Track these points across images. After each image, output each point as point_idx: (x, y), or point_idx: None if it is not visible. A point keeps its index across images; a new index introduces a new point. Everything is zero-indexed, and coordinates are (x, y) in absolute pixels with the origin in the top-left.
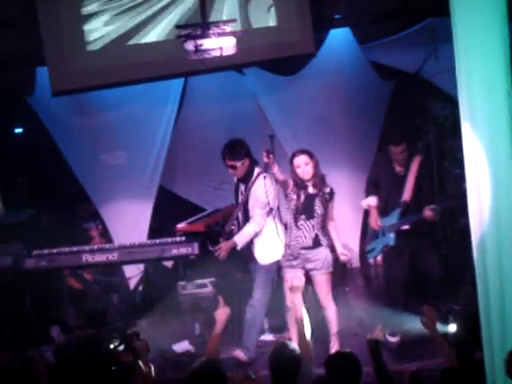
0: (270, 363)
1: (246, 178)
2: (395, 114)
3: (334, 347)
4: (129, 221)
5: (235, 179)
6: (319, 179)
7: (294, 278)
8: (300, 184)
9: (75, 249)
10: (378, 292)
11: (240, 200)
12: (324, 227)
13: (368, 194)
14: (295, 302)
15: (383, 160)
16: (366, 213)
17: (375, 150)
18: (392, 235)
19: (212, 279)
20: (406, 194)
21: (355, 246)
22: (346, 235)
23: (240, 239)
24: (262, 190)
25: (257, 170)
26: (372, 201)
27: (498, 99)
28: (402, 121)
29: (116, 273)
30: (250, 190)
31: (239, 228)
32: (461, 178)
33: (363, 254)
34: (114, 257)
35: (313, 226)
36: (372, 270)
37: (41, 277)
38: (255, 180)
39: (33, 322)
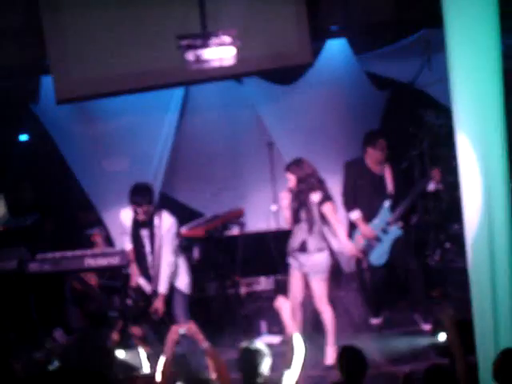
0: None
1: (148, 222)
2: (390, 123)
3: (330, 350)
4: None
5: (128, 223)
6: (306, 187)
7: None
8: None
9: (78, 253)
10: (372, 295)
11: (147, 245)
12: (319, 232)
13: (348, 205)
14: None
15: (357, 167)
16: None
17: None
18: (395, 228)
19: None
20: (390, 186)
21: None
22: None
23: (164, 288)
24: (171, 228)
25: (155, 212)
26: (358, 214)
27: (490, 109)
28: (396, 129)
29: (119, 277)
30: (157, 232)
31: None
32: (454, 187)
33: (359, 260)
34: (115, 261)
35: (300, 231)
36: (367, 274)
37: (44, 280)
38: (160, 221)
39: (36, 324)
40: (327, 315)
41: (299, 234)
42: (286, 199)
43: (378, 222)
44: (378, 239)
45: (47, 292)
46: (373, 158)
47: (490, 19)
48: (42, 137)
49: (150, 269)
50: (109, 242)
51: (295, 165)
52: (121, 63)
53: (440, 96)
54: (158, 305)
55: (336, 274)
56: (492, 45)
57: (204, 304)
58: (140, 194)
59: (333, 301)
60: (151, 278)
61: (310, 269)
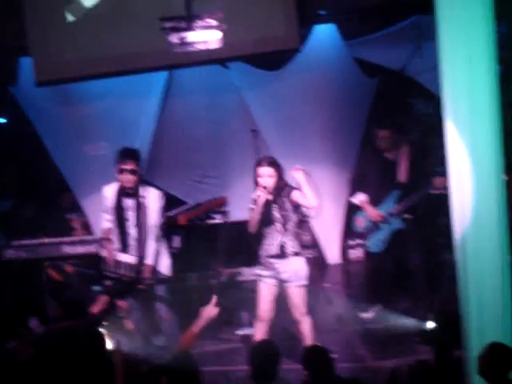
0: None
1: (134, 192)
2: (379, 111)
3: None
4: None
5: (111, 196)
6: (282, 184)
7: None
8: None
9: (55, 240)
10: (360, 288)
11: (131, 216)
12: (294, 233)
13: (355, 188)
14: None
15: (371, 150)
16: (351, 209)
17: (358, 146)
18: (397, 219)
19: None
20: (401, 176)
21: (336, 243)
22: (328, 233)
23: (151, 259)
24: (157, 203)
25: (141, 184)
26: (363, 196)
27: (482, 98)
28: (385, 118)
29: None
30: (141, 204)
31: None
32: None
33: (345, 251)
34: (93, 249)
35: (274, 233)
36: (353, 266)
37: (20, 267)
38: (147, 192)
39: (11, 313)
40: (306, 325)
41: (274, 238)
42: (263, 197)
43: (382, 209)
44: (377, 226)
45: (23, 280)
46: (379, 145)
47: (483, 5)
48: (20, 119)
49: (133, 241)
50: (88, 228)
51: (274, 162)
52: (102, 45)
53: (430, 84)
54: (146, 275)
55: (320, 266)
56: (484, 31)
57: (184, 294)
58: (128, 154)
59: (317, 293)
60: (134, 251)
61: (289, 275)
